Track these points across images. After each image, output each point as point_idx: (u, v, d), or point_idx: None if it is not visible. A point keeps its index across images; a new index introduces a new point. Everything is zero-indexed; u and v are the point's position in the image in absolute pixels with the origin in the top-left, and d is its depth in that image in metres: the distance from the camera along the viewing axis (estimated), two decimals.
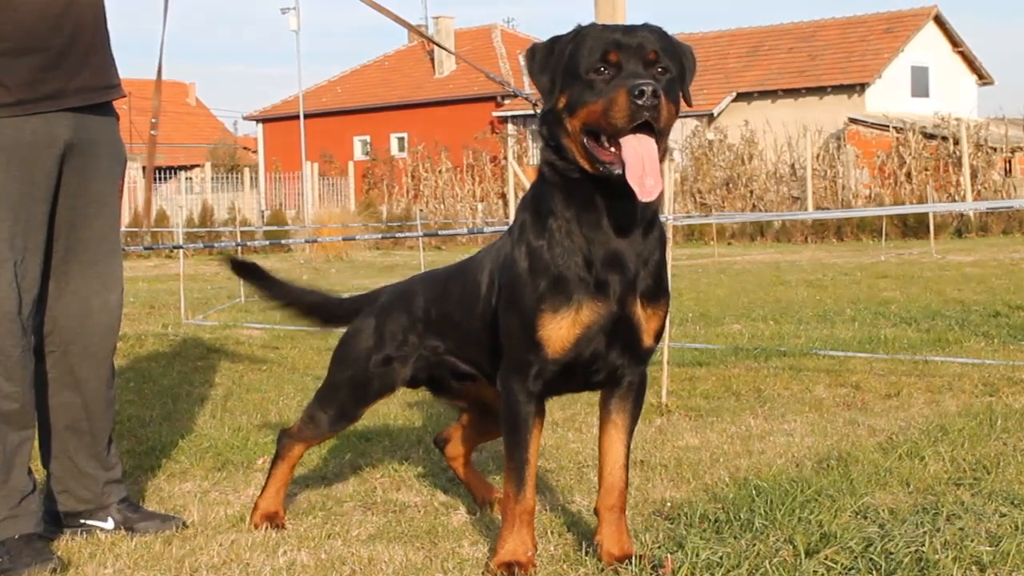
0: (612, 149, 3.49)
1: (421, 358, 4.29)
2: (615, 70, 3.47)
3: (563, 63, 3.57)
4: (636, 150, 3.44)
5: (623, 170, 3.45)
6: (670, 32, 3.67)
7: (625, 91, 3.39)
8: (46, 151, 4.16)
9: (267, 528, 4.45)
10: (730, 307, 13.34)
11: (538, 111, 3.80)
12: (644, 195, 3.46)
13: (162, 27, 4.87)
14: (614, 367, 3.77)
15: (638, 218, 3.64)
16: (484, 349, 3.99)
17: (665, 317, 3.81)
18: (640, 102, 3.36)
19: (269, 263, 27.61)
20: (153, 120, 4.87)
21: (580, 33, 3.60)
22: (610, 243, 3.63)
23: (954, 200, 35.45)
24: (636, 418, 3.90)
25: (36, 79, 4.13)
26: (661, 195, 3.56)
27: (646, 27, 3.59)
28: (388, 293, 4.54)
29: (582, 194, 3.62)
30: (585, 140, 3.52)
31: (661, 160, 3.52)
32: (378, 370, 4.35)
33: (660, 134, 3.49)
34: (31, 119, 4.12)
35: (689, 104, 3.69)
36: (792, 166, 39.93)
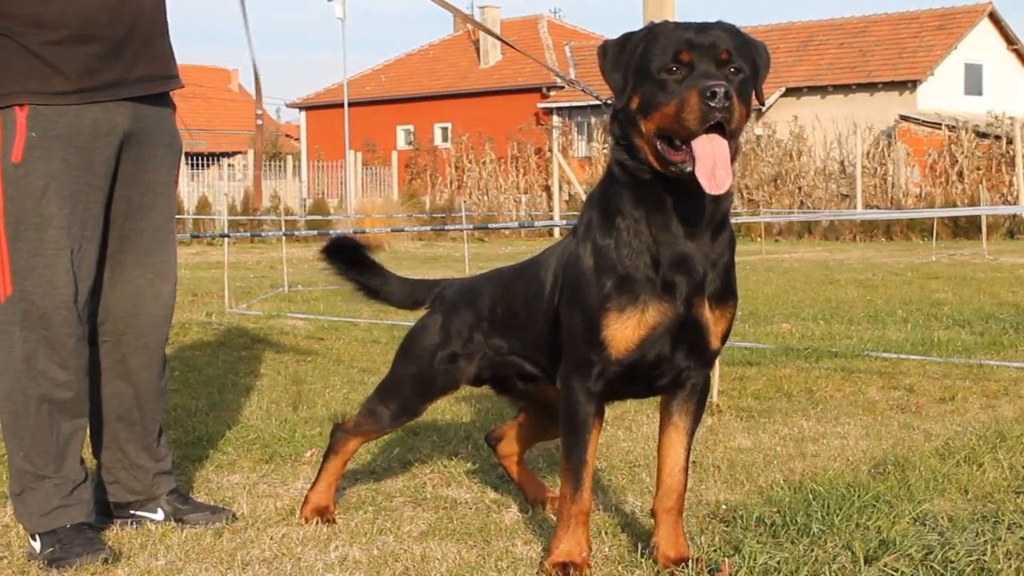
0: (684, 148, 3.46)
1: (485, 357, 4.29)
2: (687, 70, 3.44)
3: (635, 62, 3.55)
4: (707, 147, 3.42)
5: (693, 167, 3.43)
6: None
7: (697, 93, 3.36)
8: (104, 140, 4.18)
9: (317, 522, 4.46)
10: (779, 305, 13.30)
11: (605, 103, 3.77)
12: (713, 188, 3.43)
13: (243, 17, 4.93)
14: (679, 370, 3.76)
15: (708, 219, 3.62)
16: (547, 349, 3.99)
17: (732, 319, 3.80)
18: (712, 104, 3.34)
19: (311, 252, 27.72)
20: (258, 112, 4.91)
21: (652, 31, 3.57)
22: (678, 244, 3.61)
23: (1007, 200, 35.22)
24: (698, 421, 3.89)
25: (96, 68, 4.15)
26: (731, 194, 3.56)
27: (719, 25, 3.56)
28: (455, 290, 4.54)
29: (652, 194, 3.60)
30: (658, 144, 3.50)
31: (732, 160, 3.50)
32: (443, 367, 4.34)
33: (732, 135, 3.46)
34: (90, 108, 4.14)
35: (761, 102, 3.67)
36: (841, 163, 39.76)
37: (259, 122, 5.10)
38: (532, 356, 4.14)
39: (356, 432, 4.58)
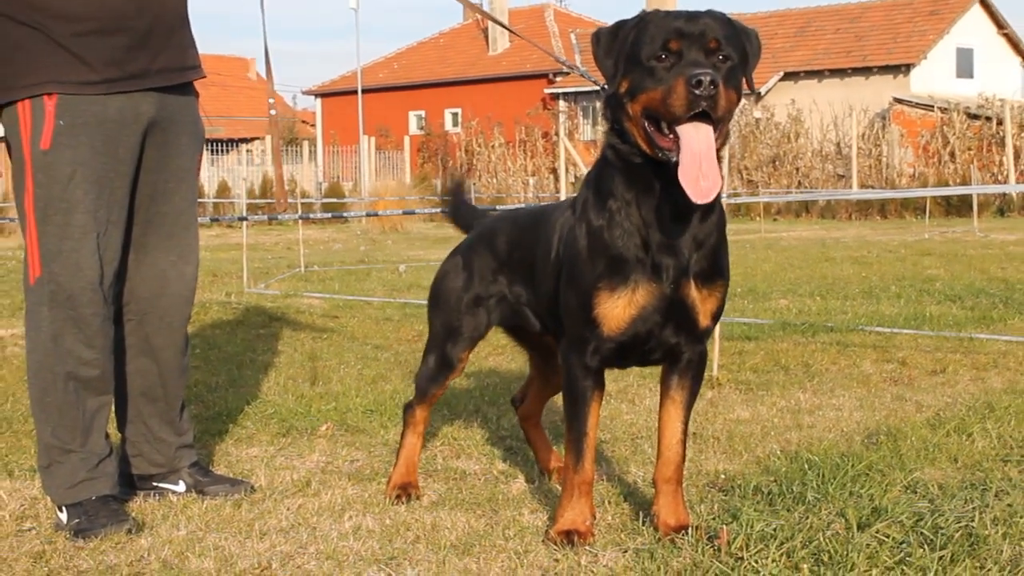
0: (671, 136, 3.46)
1: (506, 301, 4.30)
2: (676, 58, 3.44)
3: (626, 49, 3.55)
4: (692, 145, 3.40)
5: (679, 156, 3.42)
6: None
7: (683, 80, 3.35)
8: (130, 128, 4.19)
9: (399, 498, 4.40)
10: (777, 282, 13.29)
11: (602, 89, 3.77)
12: (699, 198, 3.43)
13: (261, 12, 4.96)
14: (670, 345, 3.77)
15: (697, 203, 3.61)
16: (549, 305, 4.02)
17: (723, 298, 3.79)
18: (698, 92, 3.32)
19: (327, 234, 27.67)
20: (270, 100, 4.91)
21: (643, 19, 3.57)
22: (666, 227, 3.61)
23: (997, 179, 35.17)
24: (695, 394, 3.91)
25: (121, 59, 4.16)
26: (722, 177, 3.55)
27: (709, 14, 3.55)
28: (475, 231, 4.55)
29: (642, 178, 3.61)
30: (646, 124, 3.50)
31: (721, 147, 3.50)
32: (469, 310, 4.36)
33: (719, 122, 3.45)
34: (116, 97, 4.15)
35: (752, 89, 3.66)
36: (837, 144, 39.67)
37: (272, 112, 5.07)
38: (537, 309, 4.16)
39: (417, 401, 4.57)
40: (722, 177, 3.54)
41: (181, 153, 4.40)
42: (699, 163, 3.41)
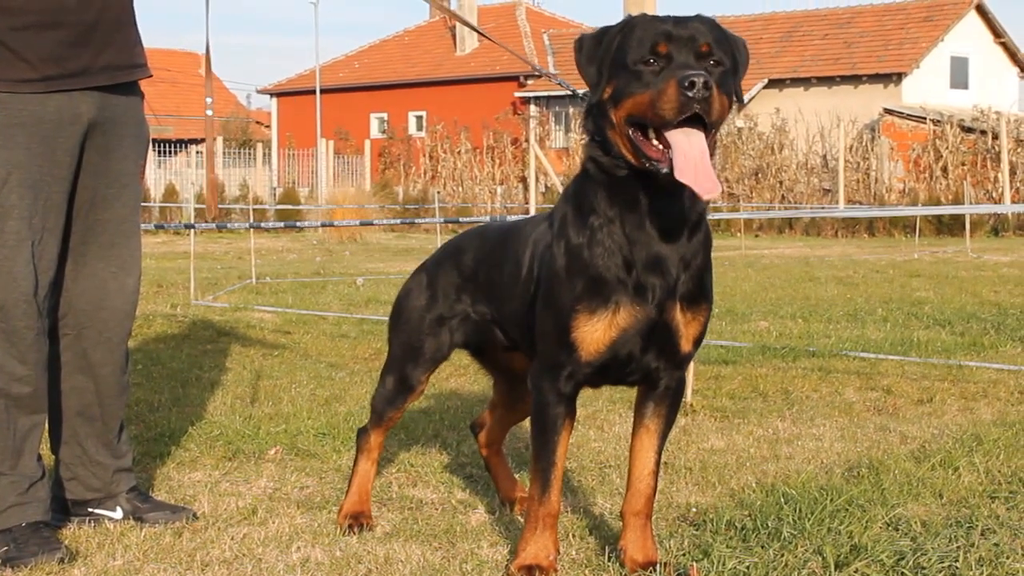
0: (659, 145, 3.45)
1: (470, 320, 4.31)
2: (665, 61, 3.44)
3: (611, 54, 3.54)
4: (686, 151, 3.40)
5: (671, 169, 3.41)
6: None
7: (675, 82, 3.35)
8: (68, 129, 4.18)
9: (351, 528, 4.40)
10: (757, 303, 13.34)
11: (581, 97, 3.77)
12: (704, 193, 3.43)
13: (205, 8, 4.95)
14: (649, 370, 3.78)
15: (684, 219, 3.62)
16: (519, 326, 4.02)
17: (706, 323, 3.80)
18: (691, 94, 3.32)
19: (280, 243, 27.58)
20: (208, 100, 4.90)
21: (629, 23, 3.57)
22: (652, 245, 3.61)
23: (992, 197, 35.42)
24: (670, 424, 3.92)
25: (61, 55, 4.15)
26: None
27: (699, 18, 3.56)
28: (440, 247, 4.56)
29: (627, 192, 3.60)
30: (631, 132, 3.49)
31: (712, 155, 3.50)
32: (431, 331, 4.36)
33: (710, 128, 3.45)
34: (54, 96, 4.14)
35: (740, 101, 3.66)
36: (824, 157, 39.91)
37: (209, 111, 5.07)
38: (506, 328, 4.17)
39: (372, 425, 4.58)
40: (719, 185, 3.53)
41: (123, 157, 4.39)
42: (694, 163, 3.40)
